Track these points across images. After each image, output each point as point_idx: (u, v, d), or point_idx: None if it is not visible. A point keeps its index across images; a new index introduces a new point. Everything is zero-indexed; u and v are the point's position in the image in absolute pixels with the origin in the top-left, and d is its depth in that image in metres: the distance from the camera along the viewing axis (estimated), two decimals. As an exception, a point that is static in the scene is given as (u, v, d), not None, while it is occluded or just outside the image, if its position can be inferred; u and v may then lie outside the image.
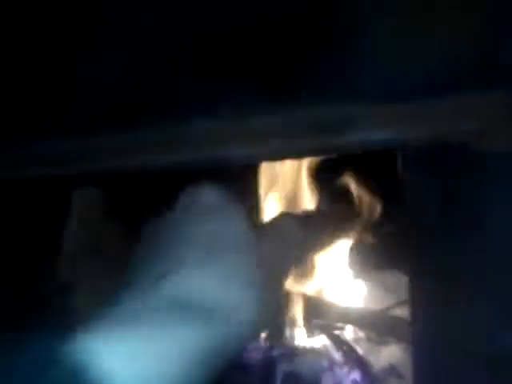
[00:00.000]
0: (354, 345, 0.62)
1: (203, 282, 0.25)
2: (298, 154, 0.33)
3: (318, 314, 0.65)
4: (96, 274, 0.44)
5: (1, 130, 0.33)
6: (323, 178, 0.62)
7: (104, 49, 0.33)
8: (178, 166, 0.31)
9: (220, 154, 0.31)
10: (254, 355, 0.60)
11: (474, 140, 0.28)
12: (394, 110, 0.30)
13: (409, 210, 0.32)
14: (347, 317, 0.65)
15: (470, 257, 0.29)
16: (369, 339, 0.66)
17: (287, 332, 0.62)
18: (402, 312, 0.64)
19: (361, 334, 0.66)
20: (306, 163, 0.61)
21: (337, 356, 0.60)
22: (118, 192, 0.49)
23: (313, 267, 0.66)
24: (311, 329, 0.63)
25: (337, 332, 0.63)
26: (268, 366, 0.59)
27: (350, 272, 0.68)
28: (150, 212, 0.31)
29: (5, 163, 0.33)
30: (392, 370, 0.60)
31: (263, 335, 0.62)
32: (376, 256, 0.70)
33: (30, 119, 0.34)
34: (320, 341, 0.62)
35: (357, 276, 0.68)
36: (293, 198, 0.63)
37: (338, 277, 0.67)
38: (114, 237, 0.51)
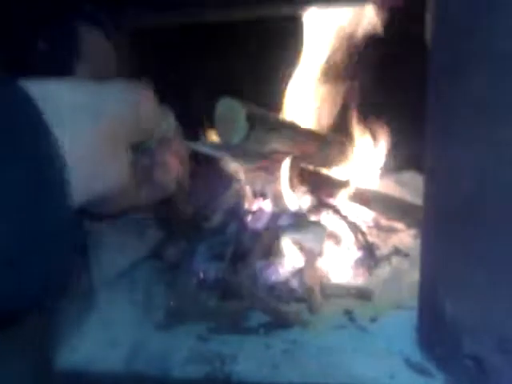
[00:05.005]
0: (361, 226, 0.62)
1: None
2: None
3: (332, 192, 0.65)
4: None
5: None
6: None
7: None
8: None
9: None
10: (261, 221, 0.61)
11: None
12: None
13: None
14: (362, 198, 0.64)
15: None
16: (378, 227, 0.66)
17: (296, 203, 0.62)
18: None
19: (371, 219, 0.66)
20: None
21: (345, 235, 0.61)
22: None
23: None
24: (322, 206, 0.63)
25: (348, 214, 0.63)
26: (273, 232, 0.59)
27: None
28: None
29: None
30: (397, 251, 0.60)
31: (269, 201, 0.63)
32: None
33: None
34: (330, 218, 0.63)
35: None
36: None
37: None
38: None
